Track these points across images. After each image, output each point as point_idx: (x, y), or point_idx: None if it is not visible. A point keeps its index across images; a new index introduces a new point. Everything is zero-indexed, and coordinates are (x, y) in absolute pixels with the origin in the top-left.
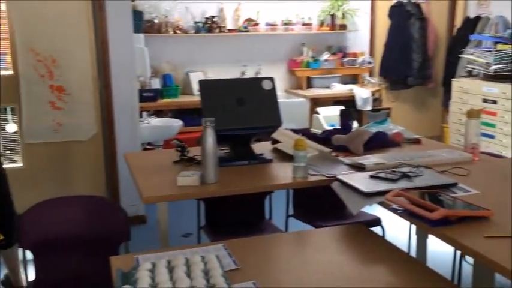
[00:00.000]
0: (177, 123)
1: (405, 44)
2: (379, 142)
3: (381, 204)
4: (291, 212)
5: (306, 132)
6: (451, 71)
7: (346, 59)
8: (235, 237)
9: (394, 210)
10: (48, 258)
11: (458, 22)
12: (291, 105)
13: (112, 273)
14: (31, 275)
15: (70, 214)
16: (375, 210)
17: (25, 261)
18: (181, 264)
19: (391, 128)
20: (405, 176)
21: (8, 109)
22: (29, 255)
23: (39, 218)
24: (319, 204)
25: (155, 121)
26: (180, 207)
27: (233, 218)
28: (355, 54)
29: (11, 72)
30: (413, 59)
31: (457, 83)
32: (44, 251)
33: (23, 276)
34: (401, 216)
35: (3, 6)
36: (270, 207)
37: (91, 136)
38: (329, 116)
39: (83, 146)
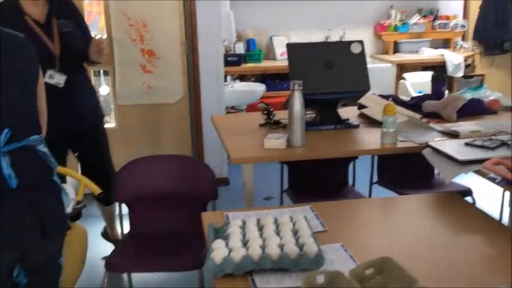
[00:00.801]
0: (260, 87)
1: (503, 6)
2: (473, 109)
3: (477, 172)
4: (375, 179)
5: (394, 98)
6: None
7: (438, 22)
8: (318, 201)
9: (492, 179)
10: (142, 212)
11: None
12: (376, 70)
13: (203, 228)
14: (126, 228)
15: (162, 172)
16: (462, 180)
17: (121, 215)
18: (271, 223)
19: (488, 94)
20: (504, 144)
21: (101, 72)
22: (125, 209)
23: (133, 174)
24: (404, 172)
25: (239, 85)
26: (262, 170)
27: (316, 182)
28: (447, 17)
29: (104, 36)
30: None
31: None
32: (137, 205)
33: (118, 229)
34: (499, 185)
35: None
36: (353, 173)
37: (178, 99)
38: (417, 83)
39: (171, 108)
